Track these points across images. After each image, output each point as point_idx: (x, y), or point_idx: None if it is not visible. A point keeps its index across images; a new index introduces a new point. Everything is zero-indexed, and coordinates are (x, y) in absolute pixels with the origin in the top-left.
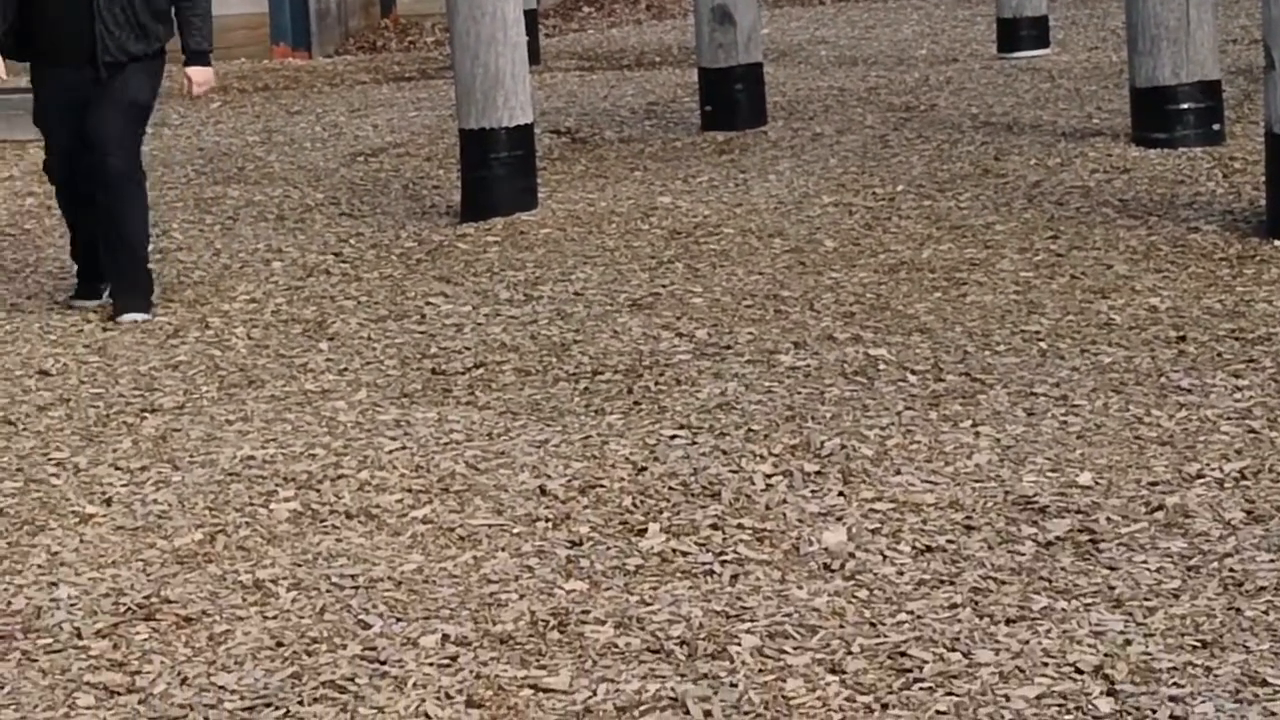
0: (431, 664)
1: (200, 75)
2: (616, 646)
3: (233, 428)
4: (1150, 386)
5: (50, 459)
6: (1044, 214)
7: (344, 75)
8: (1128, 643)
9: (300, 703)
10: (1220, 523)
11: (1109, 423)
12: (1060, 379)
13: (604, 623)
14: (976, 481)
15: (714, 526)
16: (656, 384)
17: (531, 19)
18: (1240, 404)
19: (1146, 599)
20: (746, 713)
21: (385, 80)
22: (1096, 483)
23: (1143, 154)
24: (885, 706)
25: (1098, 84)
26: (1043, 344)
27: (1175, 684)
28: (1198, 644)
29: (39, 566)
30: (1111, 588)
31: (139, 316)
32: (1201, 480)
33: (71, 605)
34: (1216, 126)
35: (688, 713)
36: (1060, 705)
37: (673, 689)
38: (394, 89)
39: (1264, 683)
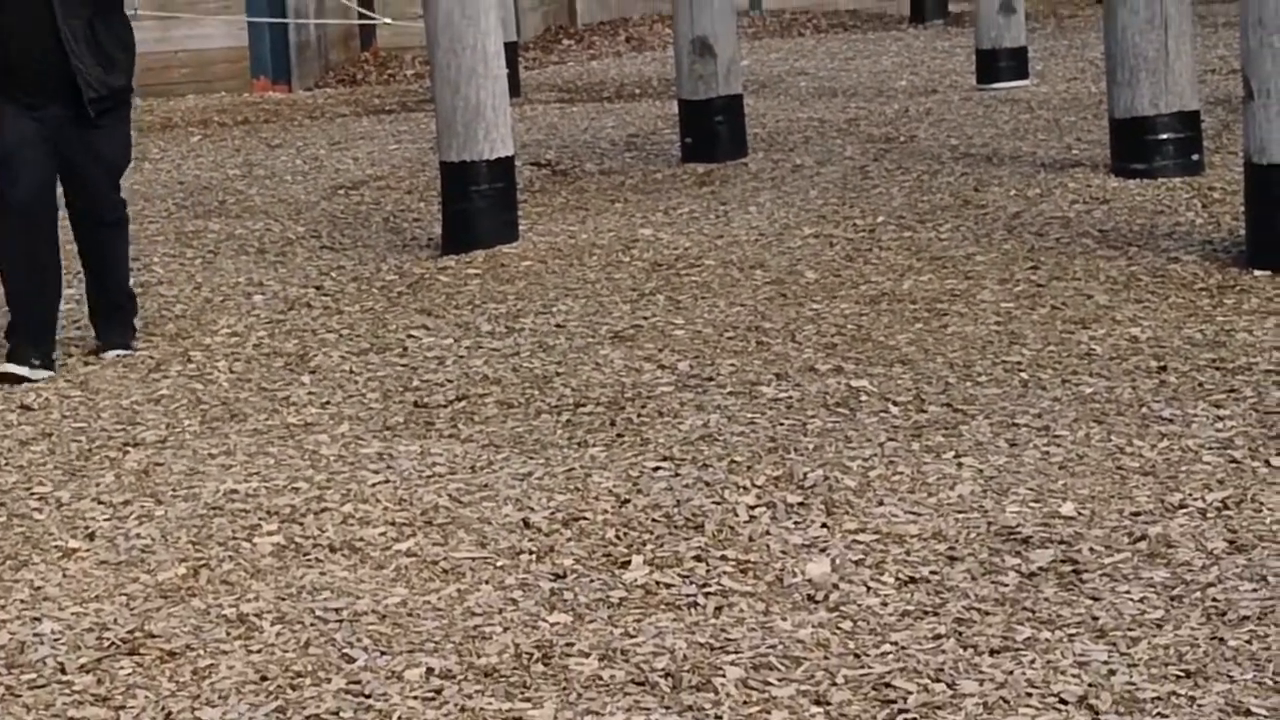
0: (416, 697)
1: None
2: (601, 679)
3: (215, 461)
4: (1132, 417)
5: (33, 494)
6: (1024, 245)
7: (324, 108)
8: (1111, 673)
9: None
10: (1203, 553)
11: (1091, 453)
12: (1042, 409)
13: (588, 655)
14: (959, 512)
15: (697, 558)
16: (639, 416)
17: (512, 52)
18: (1222, 434)
19: (1130, 629)
20: None
21: (365, 113)
22: (1079, 513)
23: (1122, 184)
24: None
25: (1077, 115)
26: (1024, 374)
27: (1159, 714)
28: (1181, 674)
29: (22, 601)
30: (1095, 618)
31: (124, 351)
32: (1184, 510)
33: (55, 640)
34: (1195, 157)
35: None
36: None
37: None
38: (374, 122)
39: (1248, 712)
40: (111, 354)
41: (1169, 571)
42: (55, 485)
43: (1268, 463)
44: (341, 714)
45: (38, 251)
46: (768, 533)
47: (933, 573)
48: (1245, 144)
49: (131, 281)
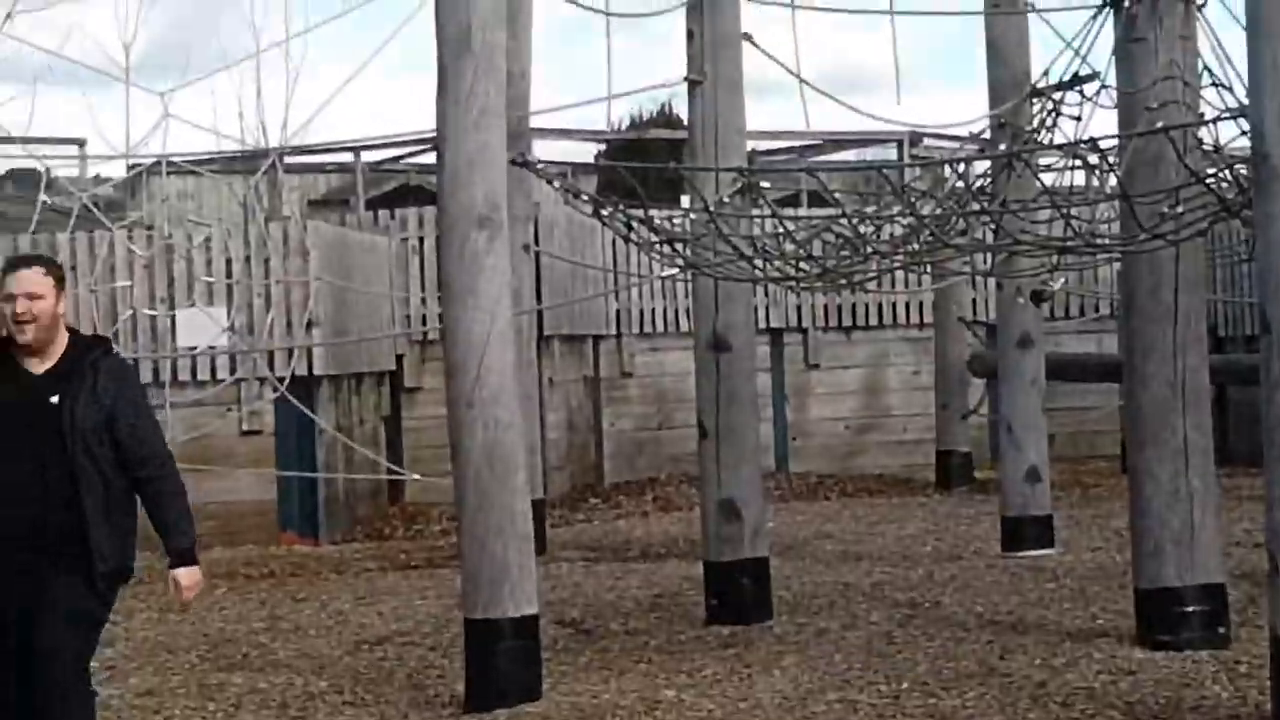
0: None
1: (189, 578)
2: None
3: None
4: None
5: None
6: (1049, 715)
7: (350, 562)
8: None
9: None
10: None
11: None
12: None
13: None
14: None
15: None
16: None
17: (539, 509)
18: None
19: None
20: None
21: (392, 568)
22: None
23: (1148, 656)
24: None
25: (1102, 584)
26: None
27: None
28: None
29: None
30: None
31: None
32: None
33: None
34: (1221, 630)
35: None
36: None
37: None
38: (400, 577)
39: None
40: None
41: None
42: None
43: None
44: None
45: None
46: None
47: None
48: (1271, 618)
49: None
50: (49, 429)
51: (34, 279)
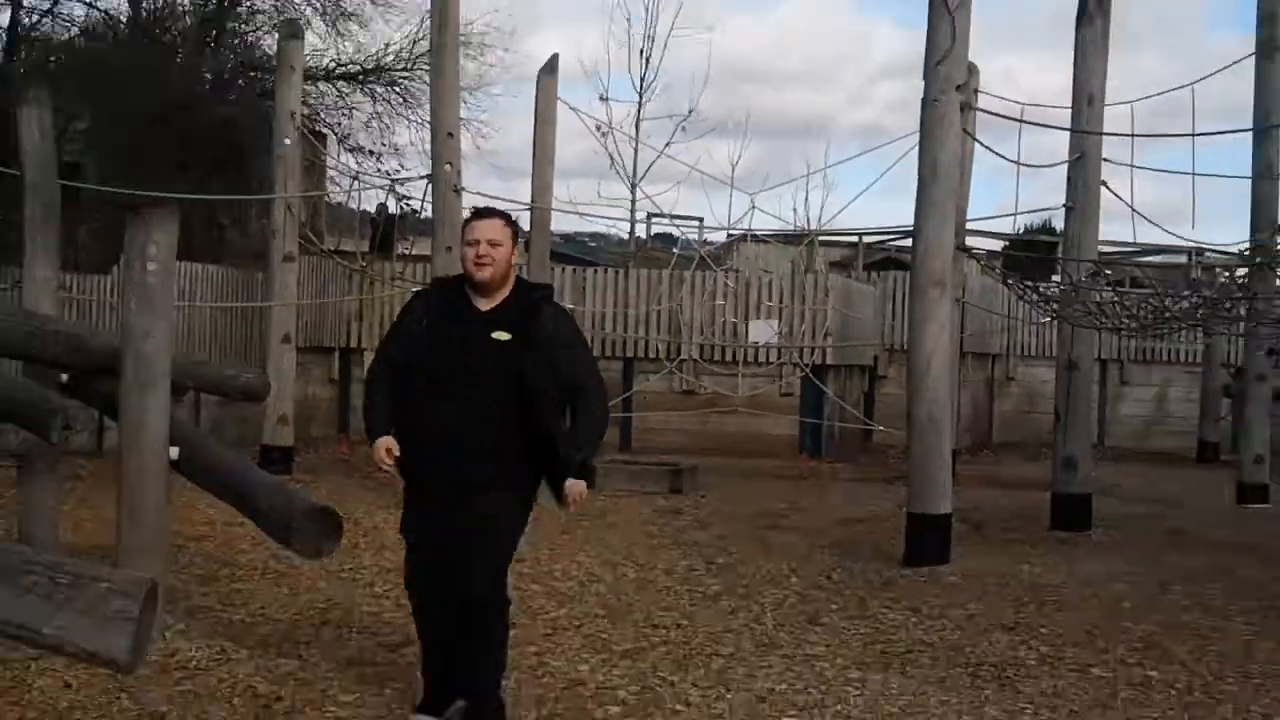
0: None
1: (574, 489)
2: None
3: None
4: None
5: None
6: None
7: (824, 473)
8: None
9: None
10: None
11: None
12: None
13: None
14: None
15: None
16: None
17: (954, 455)
18: None
19: None
20: None
21: (864, 479)
22: None
23: None
24: None
25: None
26: None
27: None
28: None
29: None
30: None
31: None
32: None
33: None
34: None
35: None
36: None
37: None
38: (865, 485)
39: None
40: None
41: None
42: None
43: None
44: None
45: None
46: None
47: None
48: None
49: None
50: (492, 363)
51: (495, 228)
